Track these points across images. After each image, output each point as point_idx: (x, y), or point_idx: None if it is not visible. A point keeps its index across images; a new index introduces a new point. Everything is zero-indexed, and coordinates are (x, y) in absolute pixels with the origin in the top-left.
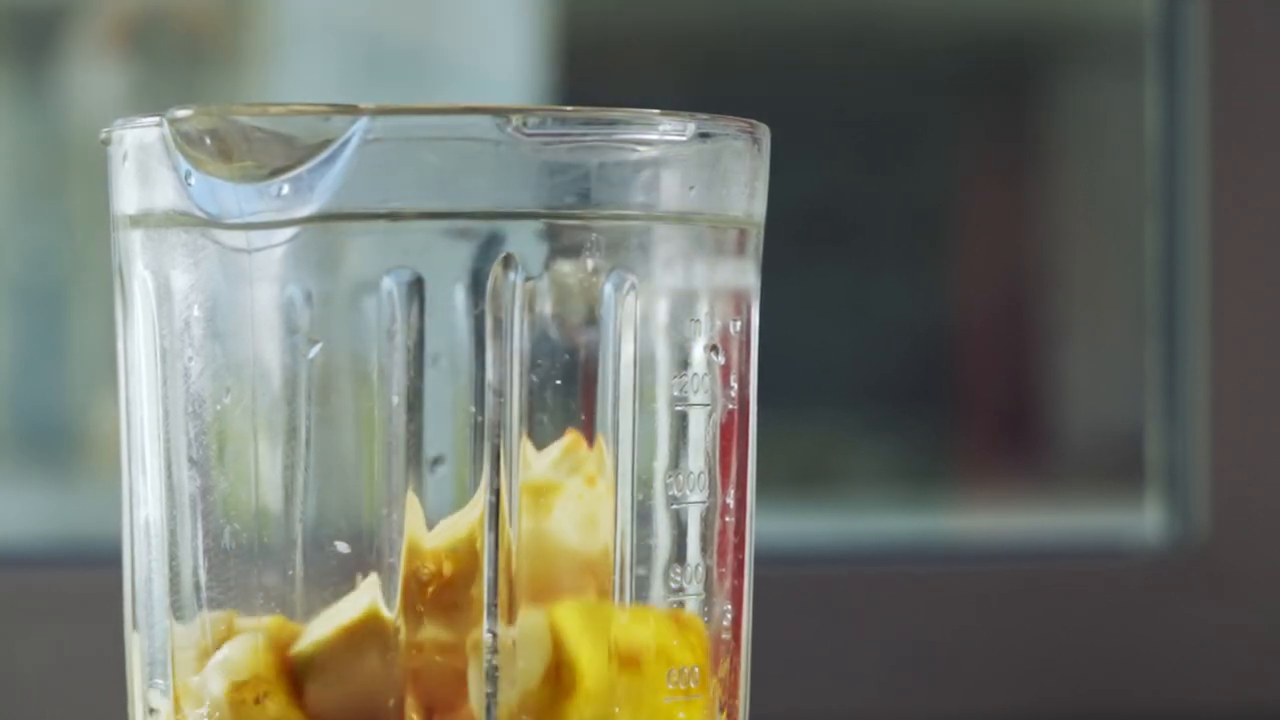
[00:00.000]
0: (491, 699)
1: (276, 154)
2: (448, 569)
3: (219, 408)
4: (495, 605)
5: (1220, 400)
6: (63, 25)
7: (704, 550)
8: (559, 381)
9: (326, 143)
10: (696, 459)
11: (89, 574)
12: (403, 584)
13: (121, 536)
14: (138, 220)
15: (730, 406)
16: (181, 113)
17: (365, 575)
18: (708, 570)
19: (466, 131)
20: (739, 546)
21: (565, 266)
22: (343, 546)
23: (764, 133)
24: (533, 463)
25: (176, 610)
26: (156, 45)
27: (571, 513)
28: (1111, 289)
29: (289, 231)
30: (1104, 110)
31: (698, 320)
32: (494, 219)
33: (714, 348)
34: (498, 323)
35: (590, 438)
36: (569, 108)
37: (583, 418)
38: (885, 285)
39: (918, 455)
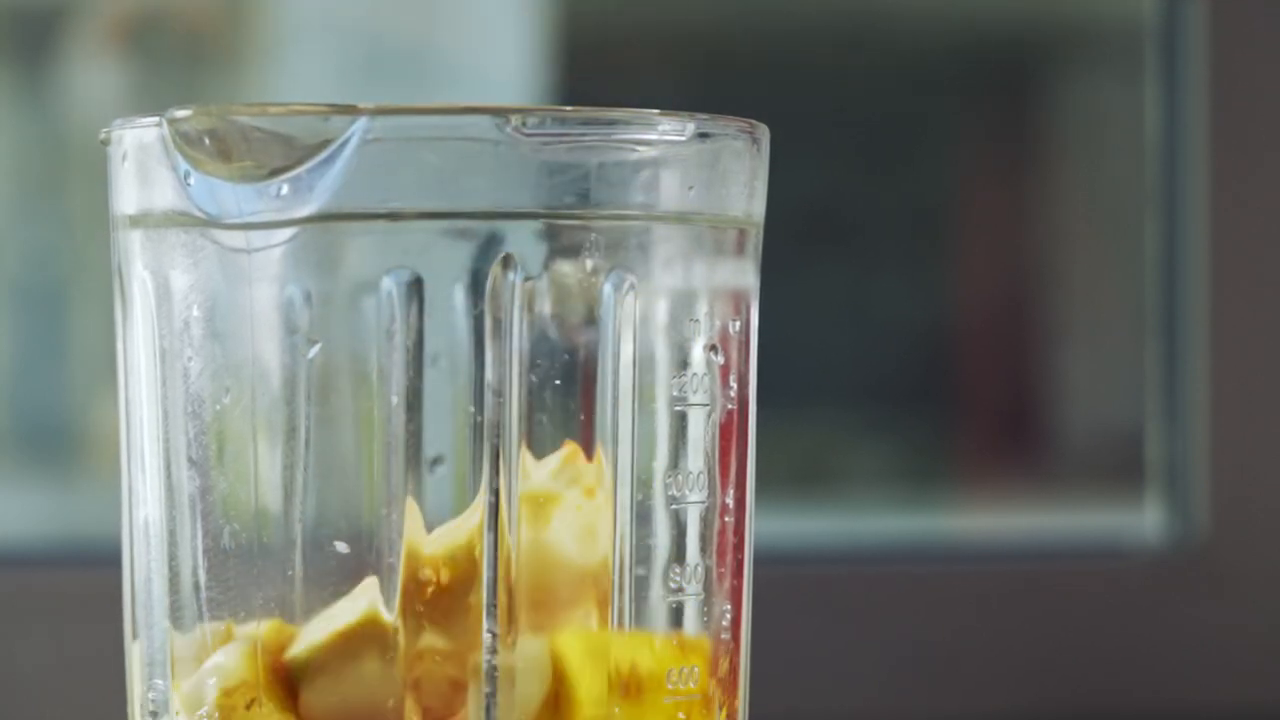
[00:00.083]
0: None
1: (276, 154)
2: (446, 575)
3: (218, 408)
4: (494, 606)
5: (1220, 400)
6: (62, 25)
7: (703, 550)
8: (558, 381)
9: (326, 143)
10: (696, 459)
11: (89, 574)
12: (401, 589)
13: (121, 537)
14: (137, 220)
15: (730, 406)
16: (181, 113)
17: (364, 576)
18: (707, 570)
19: (466, 131)
20: (738, 546)
21: (564, 266)
22: (342, 547)
23: (763, 133)
24: (532, 472)
25: (175, 610)
26: (156, 45)
27: (570, 524)
28: (1111, 289)
29: (288, 231)
30: (1104, 110)
31: (697, 320)
32: (493, 219)
33: (713, 348)
34: (497, 323)
35: (589, 438)
36: (568, 108)
37: (582, 418)
38: (885, 285)
39: (918, 455)
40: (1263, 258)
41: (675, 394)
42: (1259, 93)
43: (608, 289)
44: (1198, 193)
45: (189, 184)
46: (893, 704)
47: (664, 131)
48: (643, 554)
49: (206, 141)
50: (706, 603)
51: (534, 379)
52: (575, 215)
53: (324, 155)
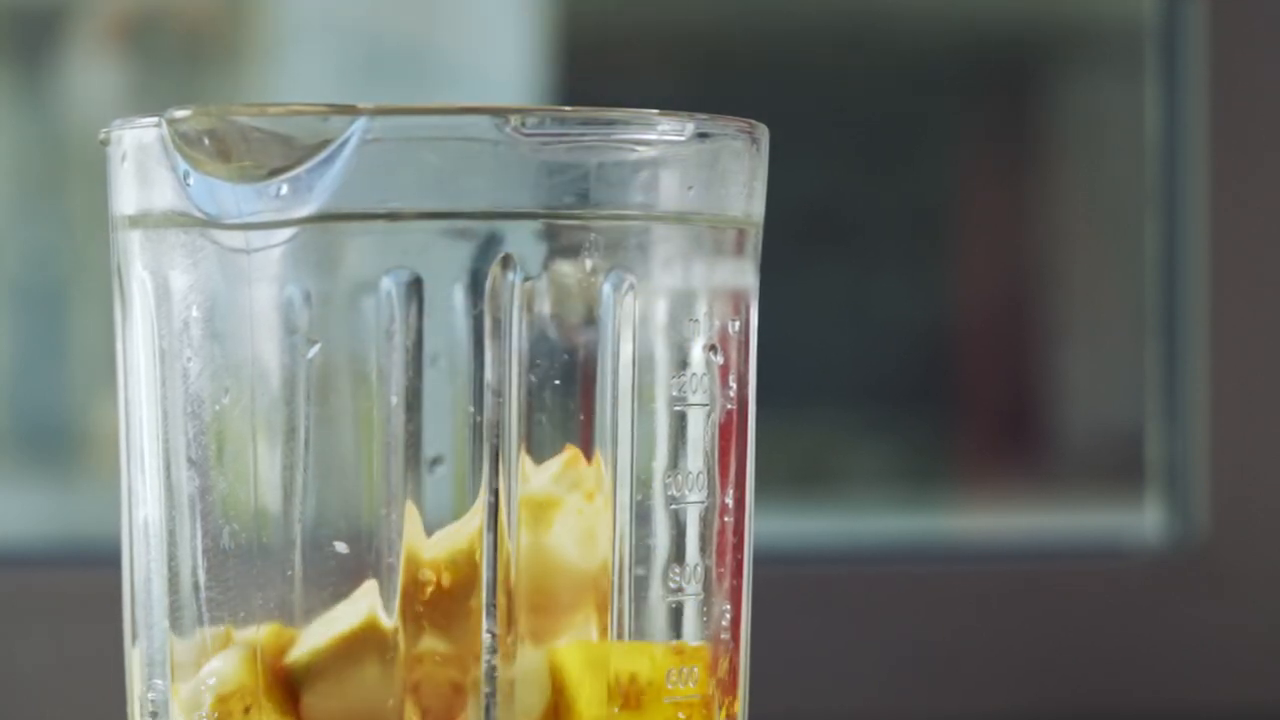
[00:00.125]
0: None
1: (275, 154)
2: (445, 579)
3: (218, 408)
4: (493, 607)
5: (1220, 400)
6: (62, 25)
7: (703, 550)
8: (558, 381)
9: (325, 143)
10: (695, 459)
11: (89, 574)
12: (401, 593)
13: (121, 537)
14: (136, 220)
15: (729, 406)
16: (180, 113)
17: (364, 576)
18: (707, 570)
19: (465, 131)
20: (738, 546)
21: (564, 266)
22: (341, 547)
23: (762, 133)
24: (533, 476)
25: (175, 611)
26: (156, 45)
27: (571, 528)
28: (1111, 289)
29: (288, 232)
30: (1104, 110)
31: (696, 320)
32: (493, 219)
33: (713, 348)
34: (496, 323)
35: (588, 438)
36: (567, 108)
37: (581, 418)
38: (885, 285)
39: (918, 455)
40: (1263, 258)
41: (675, 394)
42: (1259, 93)
43: (607, 289)
44: (1198, 193)
45: (188, 184)
46: (893, 704)
47: (663, 131)
48: (642, 554)
49: (206, 142)
50: (706, 603)
51: (533, 379)
52: (575, 215)
53: (323, 155)
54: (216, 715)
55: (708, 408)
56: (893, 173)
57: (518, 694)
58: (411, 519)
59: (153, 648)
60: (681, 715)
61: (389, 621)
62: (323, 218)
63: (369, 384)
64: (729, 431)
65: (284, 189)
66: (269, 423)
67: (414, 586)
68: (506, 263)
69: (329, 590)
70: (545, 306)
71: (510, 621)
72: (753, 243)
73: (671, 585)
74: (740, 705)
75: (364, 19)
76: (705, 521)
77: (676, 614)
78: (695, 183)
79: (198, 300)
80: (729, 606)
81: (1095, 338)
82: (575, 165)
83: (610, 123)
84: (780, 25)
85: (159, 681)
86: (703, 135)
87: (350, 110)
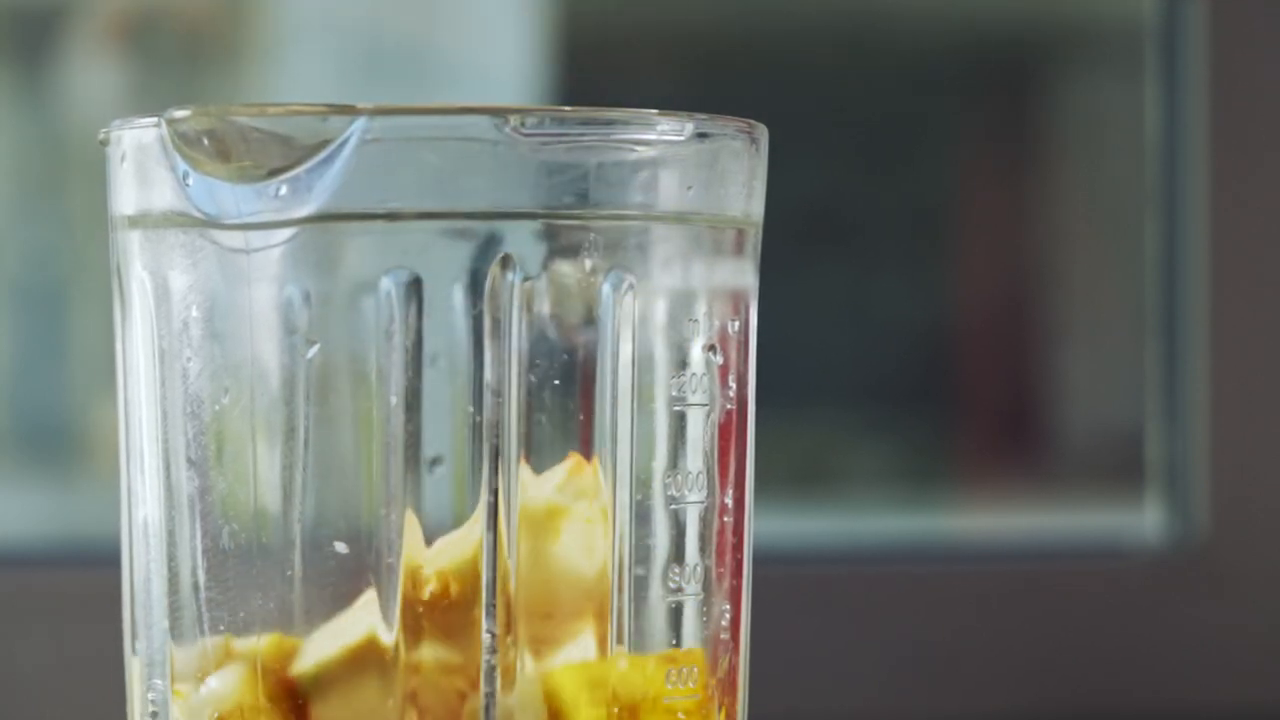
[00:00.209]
0: None
1: (274, 154)
2: (447, 589)
3: (217, 408)
4: (493, 606)
5: (1220, 400)
6: (62, 25)
7: (702, 550)
8: (557, 381)
9: (324, 143)
10: (695, 459)
11: (89, 574)
12: (401, 604)
13: (120, 537)
14: (136, 221)
15: (729, 406)
16: (179, 113)
17: (364, 576)
18: (706, 570)
19: (464, 131)
20: (737, 546)
21: (563, 266)
22: (341, 547)
23: (762, 133)
24: (535, 484)
25: (175, 611)
26: (155, 45)
27: (578, 537)
28: (1111, 289)
29: (287, 232)
30: (1104, 110)
31: (696, 320)
32: (492, 219)
33: (712, 348)
34: (496, 323)
35: (588, 438)
36: (567, 108)
37: (581, 418)
38: (885, 285)
39: (918, 455)
40: (1263, 258)
41: (674, 394)
42: (1259, 93)
43: (607, 289)
44: (1198, 193)
45: (188, 184)
46: (893, 704)
47: (662, 131)
48: (642, 554)
49: (205, 142)
50: (706, 603)
51: (533, 379)
52: (574, 215)
53: (323, 155)
54: None
55: (707, 408)
56: (893, 173)
57: (517, 715)
58: (411, 528)
59: (152, 648)
60: (681, 715)
61: (390, 635)
62: (322, 218)
63: (368, 384)
64: (729, 431)
65: (283, 189)
66: (268, 423)
67: (415, 597)
68: (506, 263)
69: (329, 591)
70: (545, 306)
71: (510, 627)
72: (752, 243)
73: (671, 585)
74: (740, 705)
75: (364, 19)
76: (705, 521)
77: (676, 614)
78: (695, 183)
79: (197, 300)
80: (729, 606)
81: (1095, 338)
82: (575, 165)
83: (610, 123)
84: (780, 25)
85: (159, 682)
86: (702, 135)
87: (350, 110)
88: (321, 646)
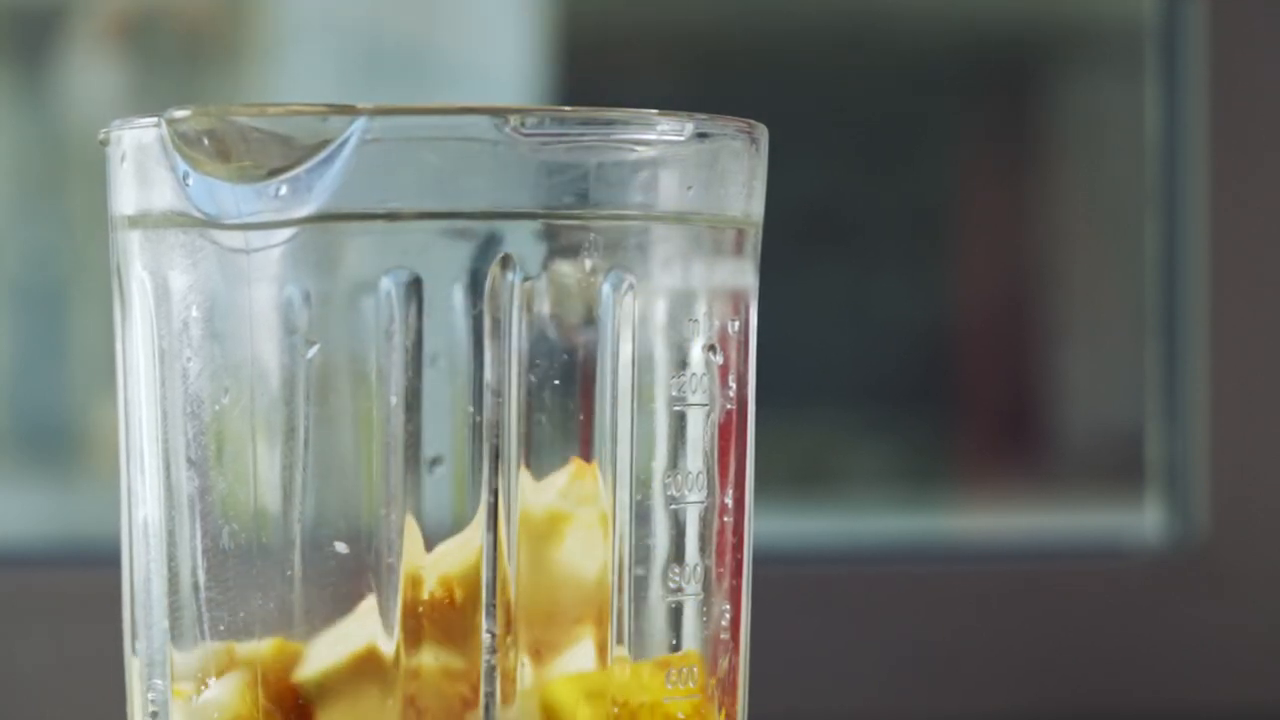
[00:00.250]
0: None
1: (274, 154)
2: (452, 589)
3: (217, 408)
4: (493, 606)
5: (1220, 400)
6: (61, 25)
7: (702, 550)
8: (557, 381)
9: (324, 143)
10: (695, 459)
11: (89, 574)
12: (402, 610)
13: (120, 537)
14: (136, 221)
15: (729, 406)
16: (179, 113)
17: (364, 576)
18: (706, 570)
19: (464, 131)
20: (737, 546)
21: (563, 266)
22: (341, 547)
23: (762, 132)
24: (532, 491)
25: (174, 611)
26: (155, 44)
27: (578, 538)
28: (1111, 289)
29: (287, 232)
30: (1104, 110)
31: (696, 320)
32: (492, 219)
33: (712, 348)
34: (496, 323)
35: (588, 438)
36: (567, 108)
37: (581, 418)
38: (885, 285)
39: (918, 455)
40: (1263, 258)
41: (674, 394)
42: (1259, 93)
43: (606, 289)
44: (1198, 193)
45: (188, 184)
46: (893, 704)
47: (662, 131)
48: (642, 554)
49: (205, 142)
50: (705, 603)
51: (533, 379)
52: (574, 215)
53: (323, 155)
54: None
55: (707, 408)
56: (893, 173)
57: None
58: (411, 527)
59: (152, 648)
60: (681, 715)
61: (391, 636)
62: (322, 218)
63: (368, 384)
64: (728, 431)
65: (283, 189)
66: (268, 423)
67: (415, 598)
68: (506, 263)
69: (329, 591)
70: (545, 306)
71: (510, 628)
72: (752, 243)
73: (671, 585)
74: (740, 706)
75: (364, 19)
76: (705, 521)
77: (676, 614)
78: (695, 183)
79: (197, 300)
80: (729, 606)
81: (1095, 338)
82: (575, 165)
83: (610, 123)
84: (780, 25)
85: (159, 682)
86: (702, 135)
87: (349, 110)
88: (323, 653)
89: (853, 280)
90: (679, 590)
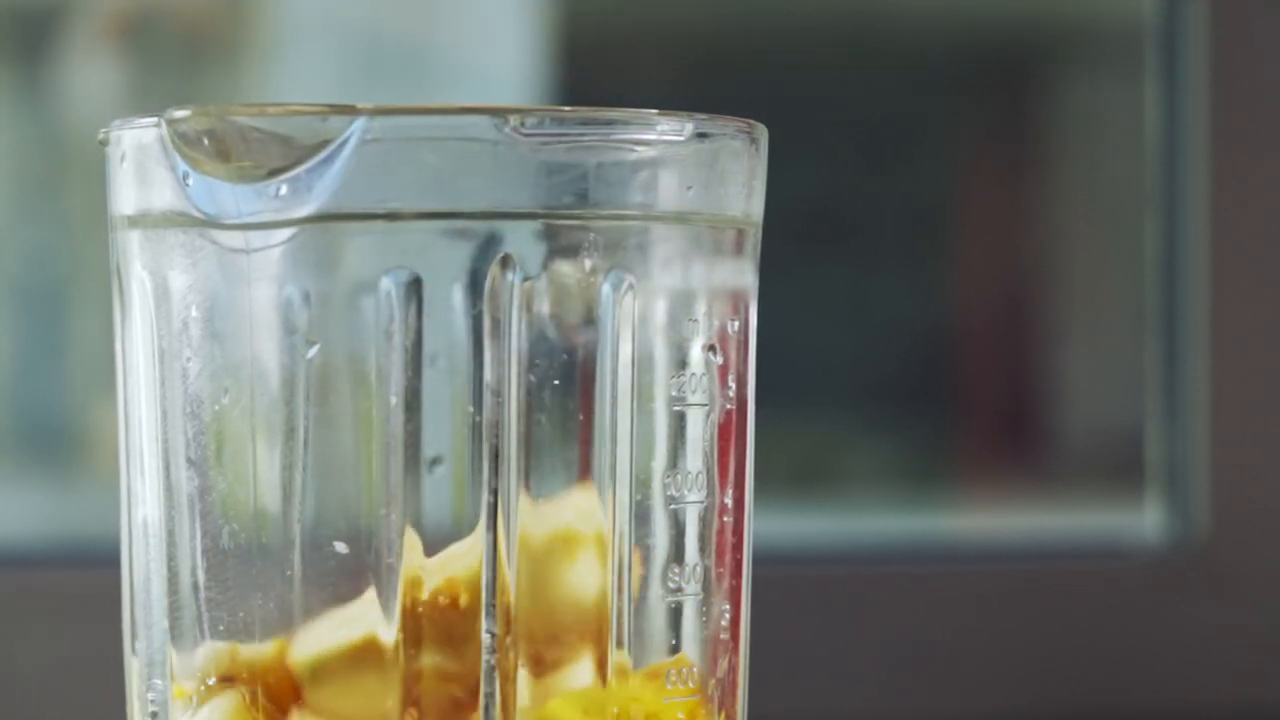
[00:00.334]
0: None
1: (274, 154)
2: (451, 589)
3: (217, 408)
4: (493, 606)
5: (1220, 400)
6: (61, 24)
7: (702, 550)
8: (557, 381)
9: (324, 143)
10: (694, 459)
11: (89, 574)
12: (401, 604)
13: (120, 537)
14: (135, 221)
15: (728, 406)
16: (179, 113)
17: (364, 576)
18: (706, 570)
19: (464, 131)
20: (737, 546)
21: (563, 266)
22: (341, 547)
23: (761, 132)
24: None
25: (174, 611)
26: (155, 44)
27: (581, 541)
28: (1111, 289)
29: (287, 232)
30: (1104, 110)
31: (696, 320)
32: (492, 219)
33: (712, 348)
34: (496, 323)
35: (588, 438)
36: (566, 108)
37: (580, 418)
38: (885, 285)
39: (918, 455)
40: (1263, 258)
41: (674, 394)
42: (1259, 93)
43: (606, 289)
44: (1198, 193)
45: (187, 184)
46: (893, 704)
47: (662, 131)
48: (641, 554)
49: (205, 142)
50: (705, 603)
51: (533, 379)
52: (574, 215)
53: (322, 155)
54: None
55: (707, 408)
56: (893, 173)
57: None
58: (411, 527)
59: (152, 648)
60: (681, 715)
61: (390, 635)
62: (322, 218)
63: (368, 384)
64: (728, 431)
65: (283, 189)
66: (268, 423)
67: (415, 597)
68: (506, 263)
69: (329, 590)
70: (545, 306)
71: (510, 627)
72: (752, 242)
73: (671, 585)
74: (740, 706)
75: (364, 19)
76: (704, 521)
77: (676, 614)
78: (694, 183)
79: (197, 300)
80: (728, 606)
81: (1095, 338)
82: (574, 165)
83: (609, 123)
84: (780, 25)
85: (158, 682)
86: (702, 135)
87: (349, 110)
88: (322, 637)
89: (853, 280)
90: (679, 590)
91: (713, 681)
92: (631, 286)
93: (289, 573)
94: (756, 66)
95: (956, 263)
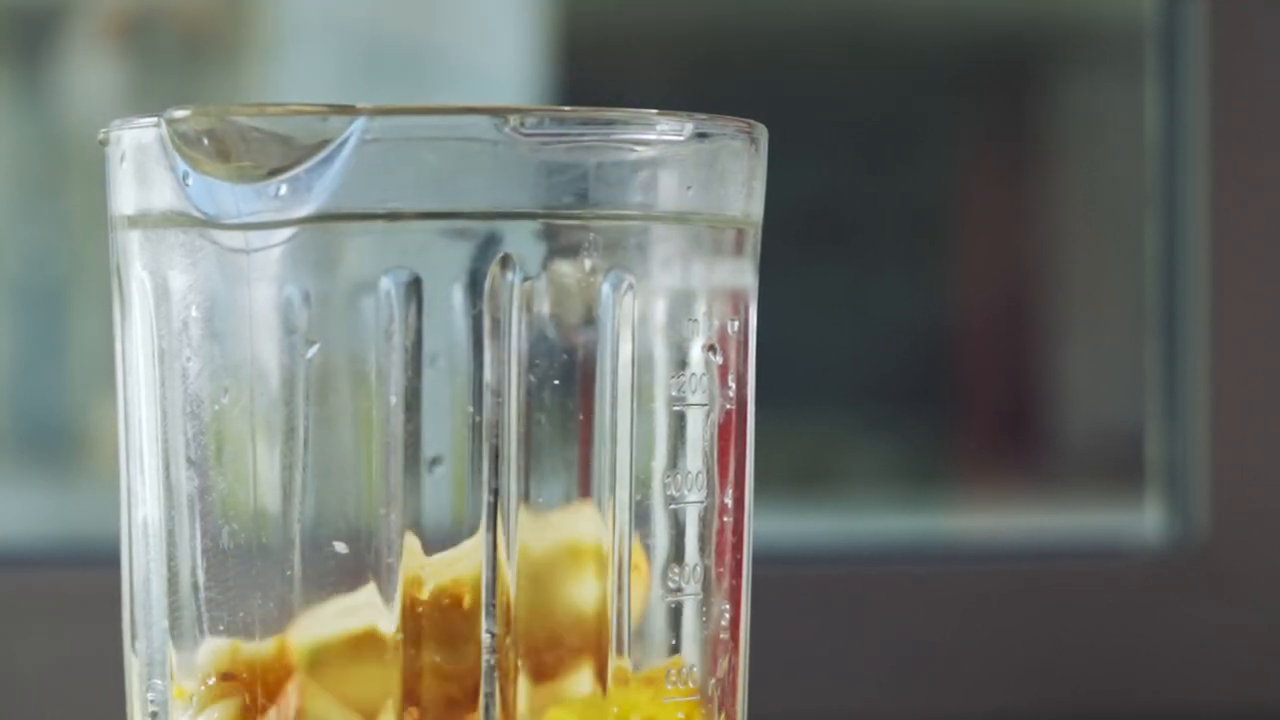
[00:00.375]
0: None
1: (274, 154)
2: (451, 588)
3: (217, 408)
4: (493, 606)
5: (1220, 400)
6: (60, 24)
7: (702, 550)
8: (557, 381)
9: (324, 143)
10: (694, 459)
11: (89, 574)
12: (401, 604)
13: (120, 537)
14: (135, 221)
15: (728, 406)
16: (179, 113)
17: (364, 576)
18: (706, 570)
19: (464, 131)
20: (737, 546)
21: (563, 266)
22: (341, 547)
23: (761, 132)
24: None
25: (174, 611)
26: (155, 44)
27: (581, 542)
28: (1111, 289)
29: (287, 232)
30: (1104, 110)
31: (695, 320)
32: (492, 219)
33: (712, 347)
34: (495, 323)
35: (588, 438)
36: (566, 108)
37: (580, 418)
38: (885, 285)
39: (918, 455)
40: (1263, 258)
41: (674, 394)
42: (1259, 93)
43: (606, 289)
44: (1198, 193)
45: (187, 184)
46: (893, 704)
47: (662, 131)
48: (642, 554)
49: (205, 142)
50: (705, 603)
51: (532, 379)
52: (574, 215)
53: (322, 155)
54: None
55: (707, 407)
56: (893, 173)
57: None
58: (411, 527)
59: (152, 648)
60: (681, 715)
61: (390, 634)
62: (322, 218)
63: (368, 384)
64: (728, 431)
65: (283, 189)
66: (268, 423)
67: (415, 597)
68: (506, 262)
69: (328, 590)
70: (544, 306)
71: (510, 627)
72: (752, 242)
73: (671, 585)
74: (740, 705)
75: (364, 19)
76: (704, 521)
77: (676, 614)
78: (694, 182)
79: (197, 300)
80: (728, 606)
81: (1095, 338)
82: (574, 165)
83: (609, 123)
84: (780, 25)
85: (158, 682)
86: (701, 135)
87: (349, 110)
88: (324, 624)
89: (853, 280)
90: (679, 590)
91: (713, 682)
92: (631, 286)
93: (289, 572)
94: (756, 66)
95: (956, 263)
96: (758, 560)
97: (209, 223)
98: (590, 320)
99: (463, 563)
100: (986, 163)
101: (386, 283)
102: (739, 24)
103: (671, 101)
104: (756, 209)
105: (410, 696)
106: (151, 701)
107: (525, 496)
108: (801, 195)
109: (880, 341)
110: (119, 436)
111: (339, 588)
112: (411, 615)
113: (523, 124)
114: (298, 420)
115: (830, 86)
